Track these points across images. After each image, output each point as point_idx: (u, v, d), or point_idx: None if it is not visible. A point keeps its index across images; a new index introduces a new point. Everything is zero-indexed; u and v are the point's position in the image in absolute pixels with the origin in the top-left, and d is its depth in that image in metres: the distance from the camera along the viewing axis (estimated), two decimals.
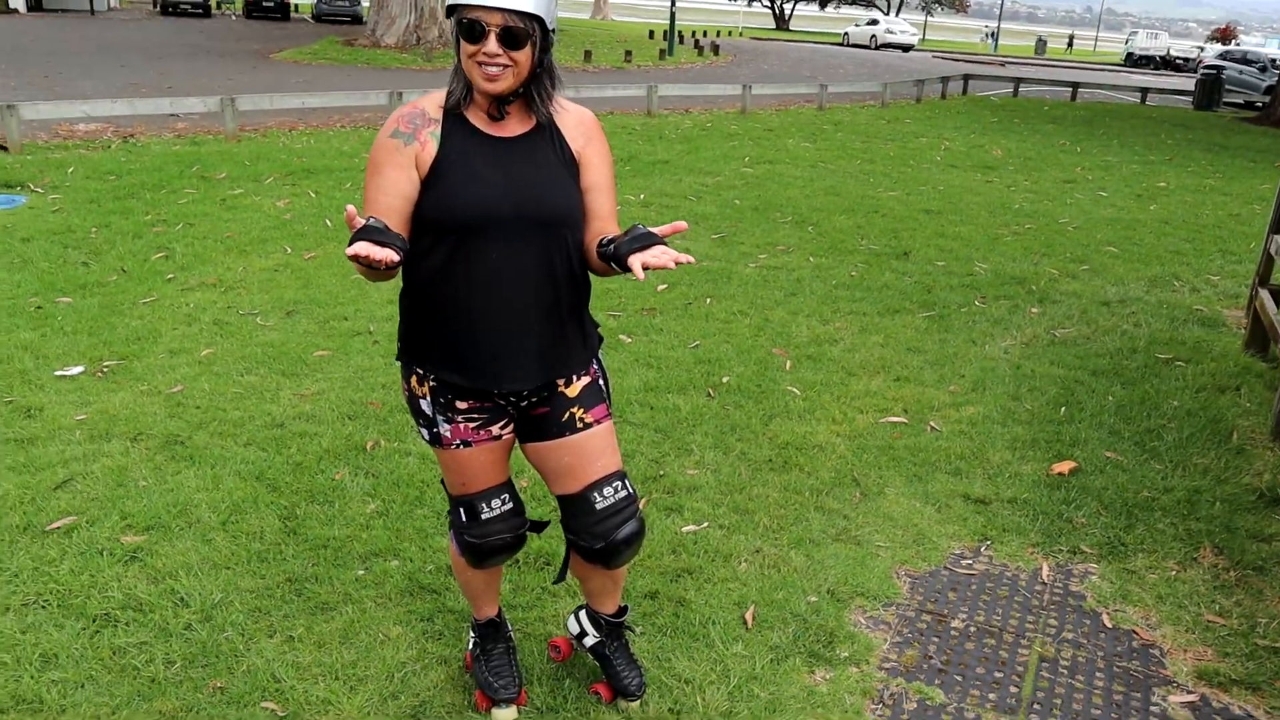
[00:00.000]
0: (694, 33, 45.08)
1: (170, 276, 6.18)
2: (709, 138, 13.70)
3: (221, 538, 3.35)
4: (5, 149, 9.94)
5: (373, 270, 1.97)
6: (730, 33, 53.83)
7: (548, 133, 2.20)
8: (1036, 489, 3.98)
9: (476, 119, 2.15)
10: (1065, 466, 4.19)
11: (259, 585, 3.10)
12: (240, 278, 6.19)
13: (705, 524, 3.59)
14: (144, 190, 8.40)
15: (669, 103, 17.22)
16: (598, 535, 2.34)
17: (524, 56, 2.05)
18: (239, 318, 5.50)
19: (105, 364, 4.81)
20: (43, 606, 2.95)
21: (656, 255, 1.96)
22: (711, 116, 16.29)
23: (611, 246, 2.07)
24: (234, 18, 42.18)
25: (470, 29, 2.01)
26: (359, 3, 40.04)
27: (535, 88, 2.14)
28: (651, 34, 41.15)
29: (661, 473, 3.97)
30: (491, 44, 2.01)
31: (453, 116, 2.14)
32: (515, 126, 2.17)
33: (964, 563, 3.47)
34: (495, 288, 2.15)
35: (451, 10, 2.06)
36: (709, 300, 6.25)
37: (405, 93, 12.63)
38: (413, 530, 3.43)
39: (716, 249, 7.57)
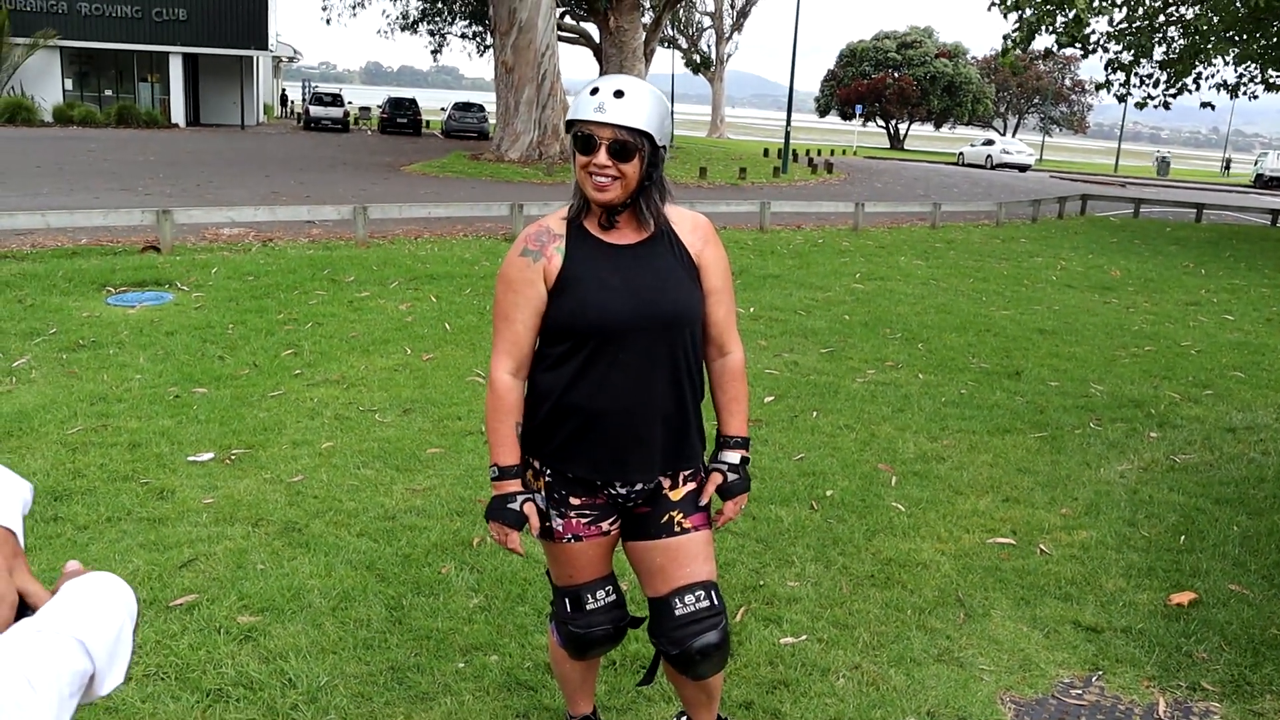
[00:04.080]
0: (808, 151, 45.86)
1: (297, 372, 6.51)
2: (820, 253, 13.82)
3: (331, 623, 3.47)
4: (158, 250, 10.68)
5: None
6: (845, 151, 54.53)
7: (665, 238, 2.32)
8: (1153, 619, 3.83)
9: (594, 228, 2.29)
10: (1185, 597, 4.02)
11: (363, 671, 3.19)
12: (362, 376, 6.48)
13: (804, 637, 3.55)
14: (279, 290, 8.90)
15: (781, 219, 17.47)
16: (674, 641, 2.36)
17: (632, 169, 2.18)
18: (359, 414, 5.74)
19: (234, 452, 5.06)
20: (162, 678, 3.09)
21: (730, 512, 2.48)
22: (824, 233, 16.45)
23: (720, 467, 2.48)
24: (369, 133, 44.72)
25: (584, 141, 2.16)
26: (485, 120, 42.05)
27: (643, 199, 2.27)
28: (766, 152, 42.01)
29: (761, 582, 3.96)
30: (601, 156, 2.15)
31: (575, 228, 2.29)
32: (632, 234, 2.30)
33: (1073, 692, 3.35)
34: (623, 388, 2.25)
35: (570, 125, 2.22)
36: (815, 414, 6.26)
37: (525, 204, 13.15)
38: (513, 626, 3.49)
39: (824, 363, 7.59)
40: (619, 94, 2.16)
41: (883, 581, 4.04)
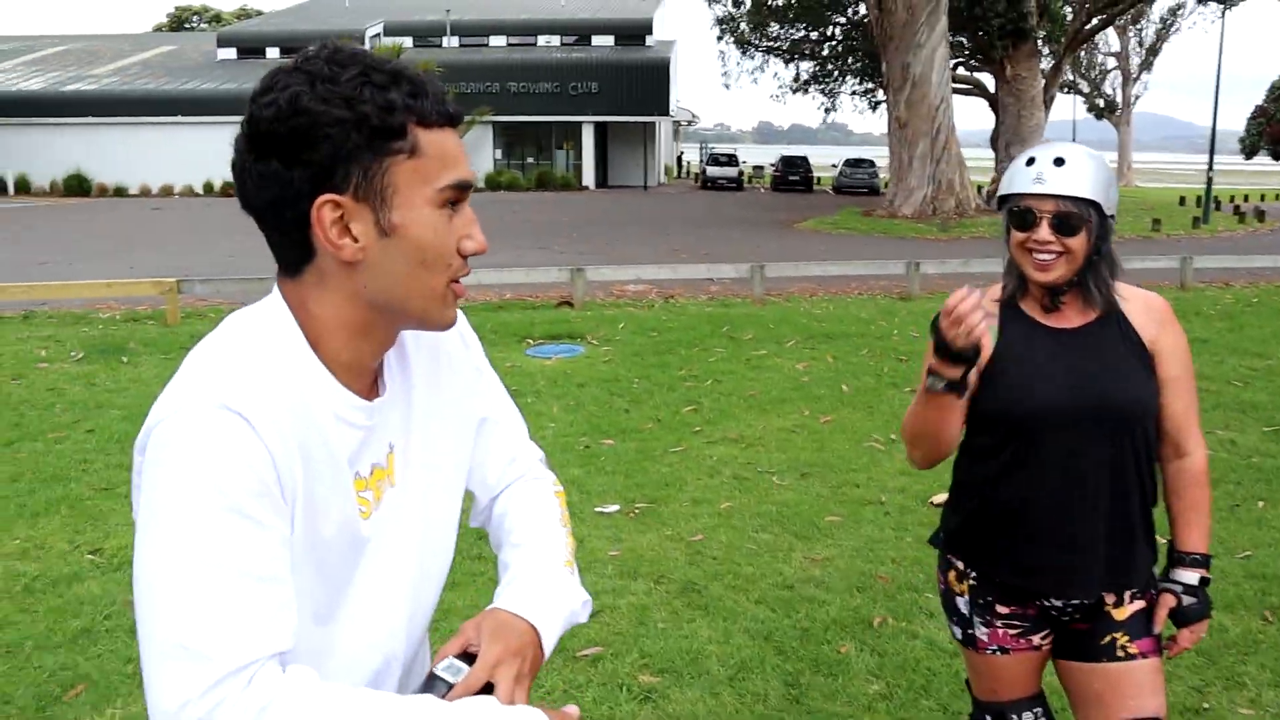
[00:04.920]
0: (1233, 197, 40.94)
1: (697, 429, 6.65)
2: (1256, 315, 12.15)
3: (728, 693, 3.41)
4: (571, 305, 11.54)
5: (930, 415, 1.98)
6: (1278, 196, 48.16)
7: (1113, 321, 2.03)
8: None
9: (1032, 310, 2.07)
10: None
11: None
12: (759, 435, 6.50)
13: None
14: (679, 346, 9.24)
15: (1206, 275, 15.62)
16: None
17: (1078, 244, 1.94)
18: (756, 474, 5.74)
19: (637, 505, 5.23)
20: None
21: (1185, 641, 2.09)
22: (1258, 290, 14.49)
23: (1173, 588, 2.09)
24: (762, 190, 46.08)
25: (1021, 217, 1.96)
26: (876, 175, 41.84)
27: (1092, 276, 2.00)
28: (1182, 200, 38.05)
29: (1205, 705, 3.40)
30: (1043, 231, 1.93)
31: (1009, 308, 2.08)
32: (1075, 317, 2.04)
33: None
34: (1061, 489, 2.00)
35: (1003, 201, 2.03)
36: (1261, 504, 5.39)
37: (922, 263, 12.76)
38: None
39: (1269, 443, 6.56)
40: (1059, 162, 1.94)
41: None
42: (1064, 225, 1.93)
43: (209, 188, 39.99)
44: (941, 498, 5.39)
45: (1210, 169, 30.68)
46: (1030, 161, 1.97)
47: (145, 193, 40.69)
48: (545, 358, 8.86)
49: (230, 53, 47.39)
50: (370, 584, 1.19)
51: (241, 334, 1.11)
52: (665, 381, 7.92)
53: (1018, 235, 1.99)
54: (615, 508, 5.18)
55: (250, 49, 46.62)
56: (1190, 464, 2.11)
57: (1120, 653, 2.05)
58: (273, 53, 45.67)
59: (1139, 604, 2.08)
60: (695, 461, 5.96)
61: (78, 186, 40.20)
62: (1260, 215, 30.93)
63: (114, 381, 7.84)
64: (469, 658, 1.11)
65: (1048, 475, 2.00)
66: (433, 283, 1.11)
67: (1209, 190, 30.38)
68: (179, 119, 40.56)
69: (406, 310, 1.12)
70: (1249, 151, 68.19)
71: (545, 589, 1.25)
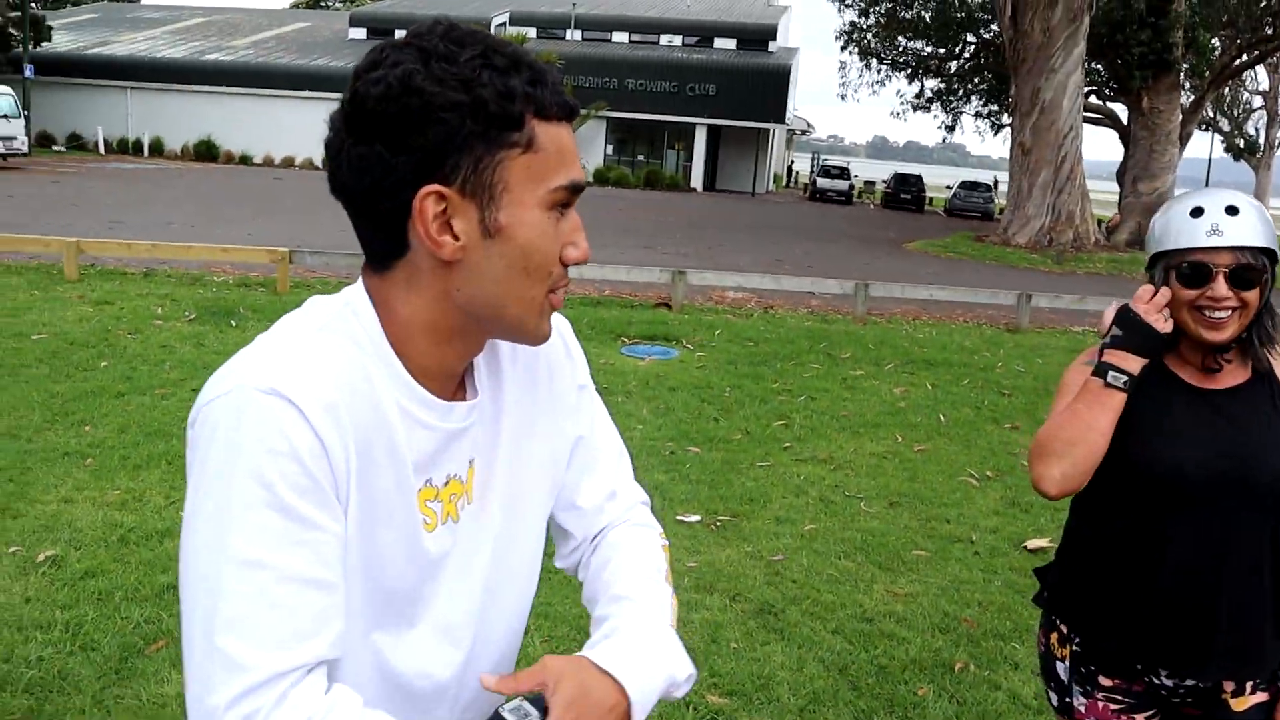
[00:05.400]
0: None
1: (787, 445, 6.54)
2: None
3: None
4: (669, 307, 11.49)
5: (1094, 417, 1.86)
6: None
7: (1267, 382, 1.89)
8: None
9: (1179, 369, 1.92)
10: None
11: None
12: (849, 458, 6.35)
13: None
14: (775, 359, 9.11)
15: None
16: None
17: (1254, 297, 1.80)
18: (844, 498, 5.60)
19: (719, 518, 5.15)
20: None
21: None
22: None
23: None
24: (873, 207, 45.44)
25: (1195, 272, 1.80)
26: (992, 200, 40.85)
27: (1256, 330, 1.86)
28: None
29: None
30: (1220, 286, 1.78)
31: (1154, 368, 1.91)
32: (1226, 378, 1.90)
33: None
34: (1186, 561, 1.85)
35: (1158, 258, 1.87)
36: None
37: (1035, 295, 12.36)
38: None
39: None
40: (1232, 210, 1.79)
41: None
42: (1243, 279, 1.79)
43: None
44: (1037, 543, 5.22)
45: None
46: (1197, 212, 1.81)
47: (268, 163, 42.02)
48: (639, 358, 8.83)
49: (360, 33, 48.58)
50: (429, 605, 1.10)
51: (314, 318, 1.03)
52: (758, 393, 7.82)
53: (1187, 294, 1.82)
54: (696, 518, 5.12)
55: (380, 30, 47.70)
56: None
57: None
58: (401, 35, 46.61)
59: (1261, 696, 1.92)
60: (782, 479, 5.85)
61: (206, 152, 41.74)
62: None
63: (221, 344, 8.07)
64: (540, 702, 0.99)
65: (1180, 544, 1.86)
66: (532, 291, 1.03)
67: None
68: (305, 94, 41.71)
69: (500, 319, 1.04)
70: None
71: (648, 650, 1.11)
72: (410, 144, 0.96)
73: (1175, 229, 1.84)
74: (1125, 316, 1.85)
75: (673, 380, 8.01)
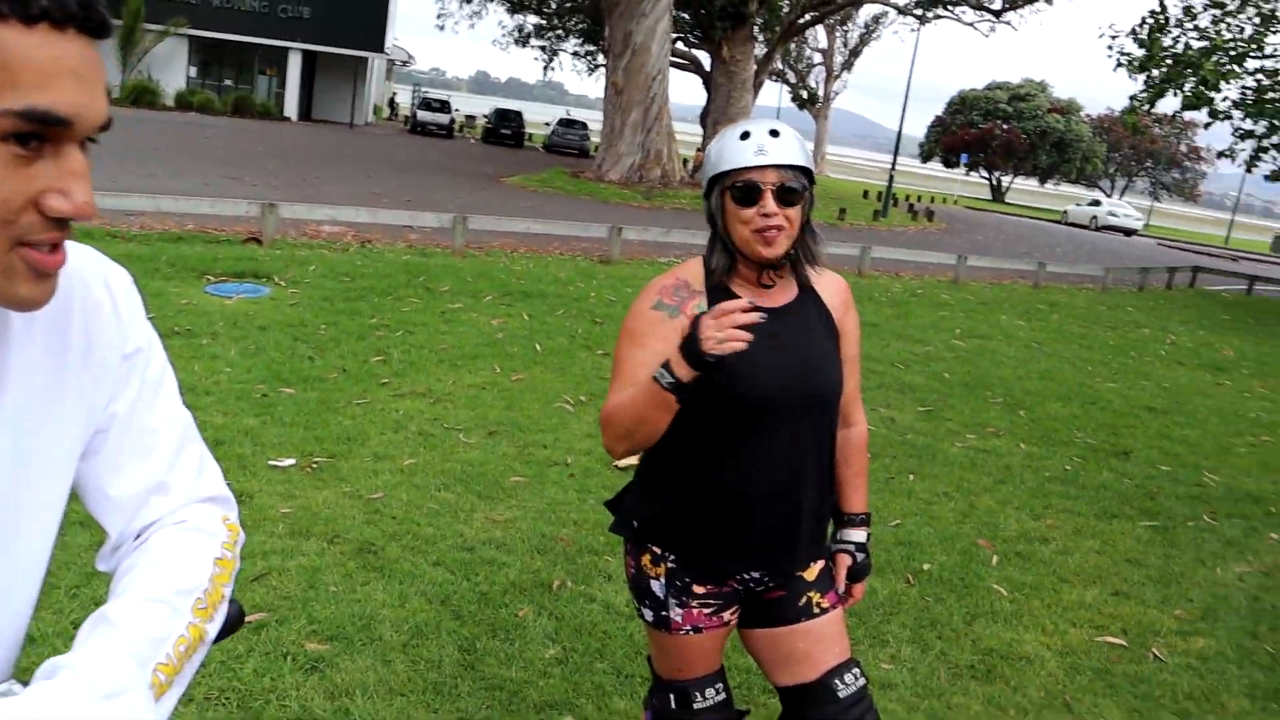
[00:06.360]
0: (908, 196, 45.20)
1: (385, 381, 6.42)
2: (919, 305, 13.45)
3: (401, 661, 3.30)
4: (259, 242, 10.80)
5: (650, 414, 1.90)
6: (945, 200, 53.69)
7: (810, 299, 2.10)
8: None
9: (743, 290, 2.05)
10: None
11: None
12: (449, 391, 6.36)
13: None
14: (373, 294, 8.88)
15: (881, 265, 17.10)
16: None
17: (796, 215, 1.97)
18: (443, 431, 5.61)
19: (315, 460, 4.96)
20: (222, 704, 2.94)
21: (858, 594, 2.29)
22: (923, 283, 16.05)
23: (848, 548, 2.27)
24: (473, 141, 45.40)
25: (746, 191, 1.94)
26: (588, 138, 42.35)
27: (802, 250, 2.06)
28: (865, 194, 41.52)
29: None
30: (769, 203, 1.93)
31: (719, 290, 2.04)
32: (779, 295, 2.08)
33: None
34: (773, 469, 2.03)
35: (715, 181, 2.01)
36: (911, 476, 5.96)
37: (625, 229, 13.03)
38: (590, 685, 3.29)
39: (922, 422, 7.27)
40: (774, 133, 1.95)
41: (984, 674, 3.75)
42: (786, 196, 1.93)
43: None
44: (628, 461, 5.53)
45: (893, 168, 33.68)
46: (745, 135, 1.95)
47: None
48: (226, 297, 8.22)
49: None
50: None
51: None
52: (354, 330, 7.58)
53: (743, 212, 1.95)
54: (291, 461, 4.89)
55: None
56: (856, 434, 2.27)
57: (816, 609, 2.15)
58: None
59: (820, 562, 2.19)
60: (380, 415, 5.74)
61: None
62: (930, 215, 34.48)
63: None
64: None
65: (759, 457, 2.01)
66: None
67: (890, 188, 33.41)
68: None
69: None
70: (925, 156, 75.78)
71: (80, 708, 0.85)
72: None
73: (725, 152, 1.98)
74: (694, 327, 1.81)
75: (263, 319, 7.56)
